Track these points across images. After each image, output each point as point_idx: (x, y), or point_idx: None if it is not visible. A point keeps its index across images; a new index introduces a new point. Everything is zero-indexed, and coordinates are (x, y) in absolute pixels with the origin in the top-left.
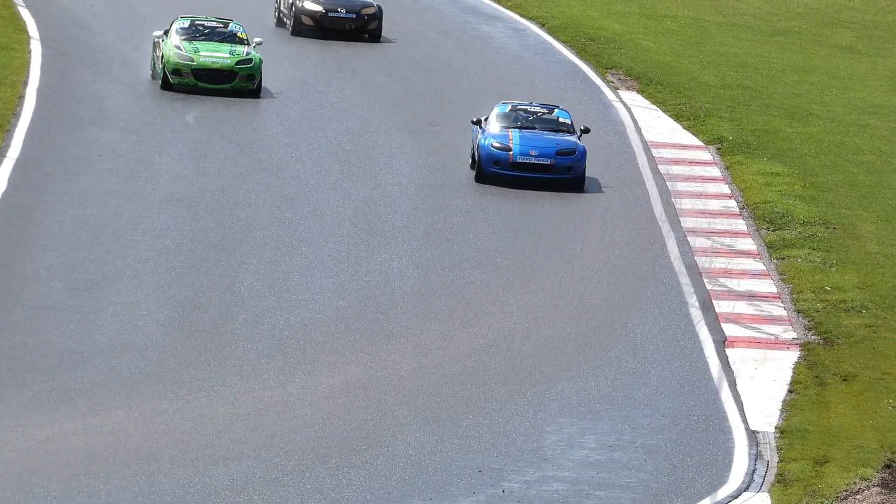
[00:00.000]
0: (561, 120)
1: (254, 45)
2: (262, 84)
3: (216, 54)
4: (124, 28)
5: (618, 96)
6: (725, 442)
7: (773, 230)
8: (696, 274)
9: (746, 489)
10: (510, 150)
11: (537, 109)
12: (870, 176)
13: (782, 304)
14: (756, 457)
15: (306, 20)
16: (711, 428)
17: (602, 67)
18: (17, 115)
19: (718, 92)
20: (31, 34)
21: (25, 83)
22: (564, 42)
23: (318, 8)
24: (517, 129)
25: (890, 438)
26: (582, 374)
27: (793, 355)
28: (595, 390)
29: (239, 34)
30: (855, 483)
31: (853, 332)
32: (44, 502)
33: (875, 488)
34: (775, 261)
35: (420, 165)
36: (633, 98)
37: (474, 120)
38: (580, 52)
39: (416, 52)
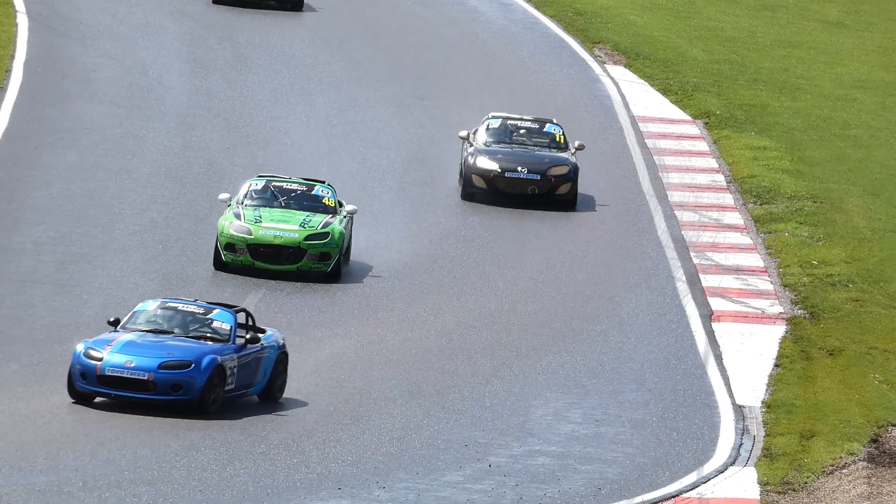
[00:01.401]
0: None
1: (344, 215)
2: (347, 264)
3: (282, 226)
4: (110, 1)
5: (605, 71)
6: (712, 416)
7: (760, 204)
8: (683, 248)
9: (733, 463)
10: (101, 359)
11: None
12: (857, 150)
13: (769, 279)
14: (742, 431)
15: (478, 181)
16: (698, 402)
17: (589, 42)
18: (3, 89)
19: (706, 66)
20: (16, 7)
21: (12, 57)
22: (551, 16)
23: (494, 166)
24: (140, 333)
25: (876, 413)
26: (568, 349)
27: (779, 329)
28: (581, 365)
29: (325, 199)
30: (841, 457)
31: (840, 306)
32: (30, 476)
33: (861, 462)
34: (762, 235)
35: (407, 140)
36: (620, 73)
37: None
38: (567, 27)
39: (402, 26)
